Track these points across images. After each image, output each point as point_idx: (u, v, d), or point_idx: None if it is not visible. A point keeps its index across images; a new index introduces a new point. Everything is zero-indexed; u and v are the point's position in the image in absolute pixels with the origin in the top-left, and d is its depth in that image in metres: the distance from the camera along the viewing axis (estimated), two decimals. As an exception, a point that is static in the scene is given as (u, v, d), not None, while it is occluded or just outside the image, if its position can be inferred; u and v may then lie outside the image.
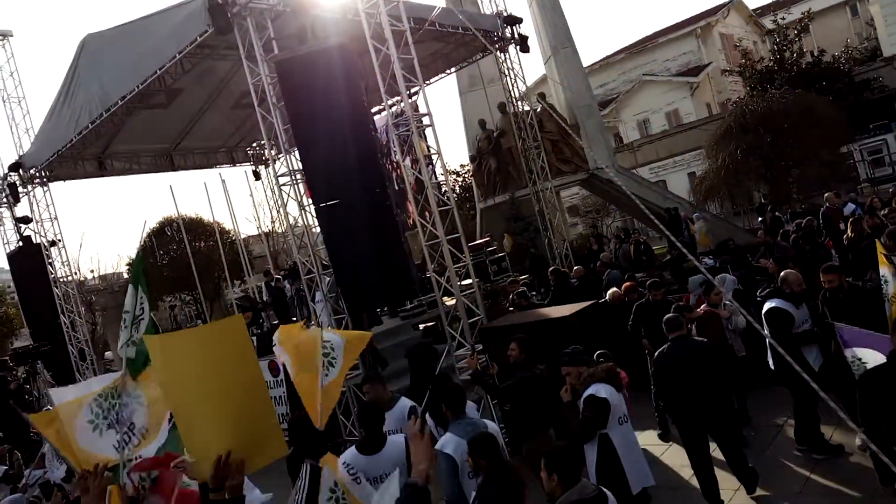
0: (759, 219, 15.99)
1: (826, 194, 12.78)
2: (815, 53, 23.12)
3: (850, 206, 12.36)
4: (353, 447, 4.62)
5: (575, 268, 12.41)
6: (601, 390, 4.78)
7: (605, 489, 3.62)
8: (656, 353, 5.98)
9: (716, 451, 5.98)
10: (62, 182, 15.29)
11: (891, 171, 23.45)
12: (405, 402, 5.48)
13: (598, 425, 4.72)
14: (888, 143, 23.62)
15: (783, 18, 23.54)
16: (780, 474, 6.24)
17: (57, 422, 4.22)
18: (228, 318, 3.30)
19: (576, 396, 4.96)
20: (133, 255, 26.97)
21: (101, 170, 15.58)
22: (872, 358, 4.94)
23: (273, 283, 15.23)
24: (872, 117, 22.92)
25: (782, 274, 6.44)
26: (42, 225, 14.73)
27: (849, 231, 9.72)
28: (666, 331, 5.91)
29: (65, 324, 14.49)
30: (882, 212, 10.36)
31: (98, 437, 4.16)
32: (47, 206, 14.76)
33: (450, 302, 9.42)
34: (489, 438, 4.27)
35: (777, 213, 15.12)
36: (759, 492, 5.88)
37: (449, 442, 4.63)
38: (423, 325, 9.89)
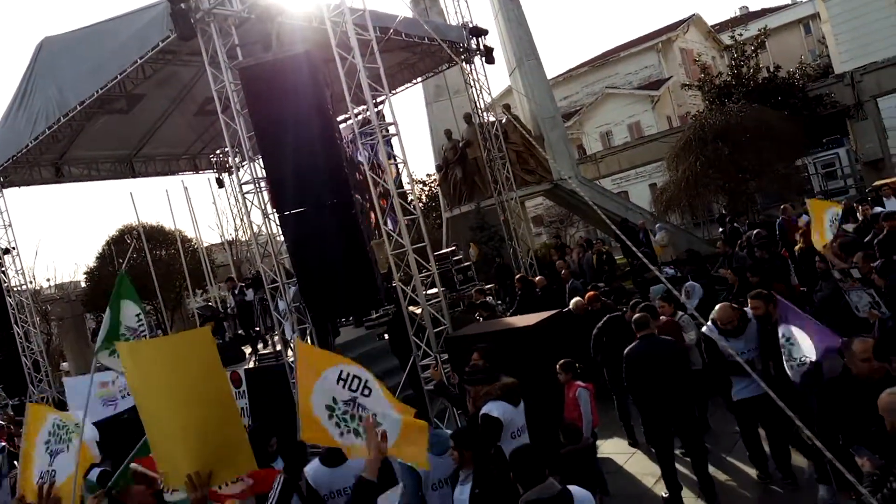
0: (721, 230, 16.33)
1: (782, 206, 13.14)
2: (771, 69, 23.78)
3: (805, 218, 12.71)
4: (316, 459, 4.57)
5: (537, 278, 12.50)
6: (494, 409, 4.93)
7: (571, 488, 3.57)
8: (626, 350, 6.19)
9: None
10: (17, 188, 14.89)
11: (843, 183, 24.22)
12: None
13: (491, 442, 4.81)
14: (840, 157, 24.43)
15: (740, 35, 24.13)
16: (738, 481, 6.36)
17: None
18: (196, 330, 3.30)
19: (478, 409, 5.12)
20: (91, 264, 26.30)
21: (59, 176, 15.18)
22: (803, 345, 5.01)
23: (236, 292, 15.01)
24: (825, 132, 23.66)
25: (715, 308, 6.15)
26: (-5, 232, 14.31)
27: (800, 242, 10.00)
28: (635, 329, 6.19)
29: (18, 335, 14.04)
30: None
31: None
32: (1, 212, 14.33)
33: (415, 311, 9.40)
34: (471, 430, 4.34)
35: (735, 224, 15.47)
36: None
37: None
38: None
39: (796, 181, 20.35)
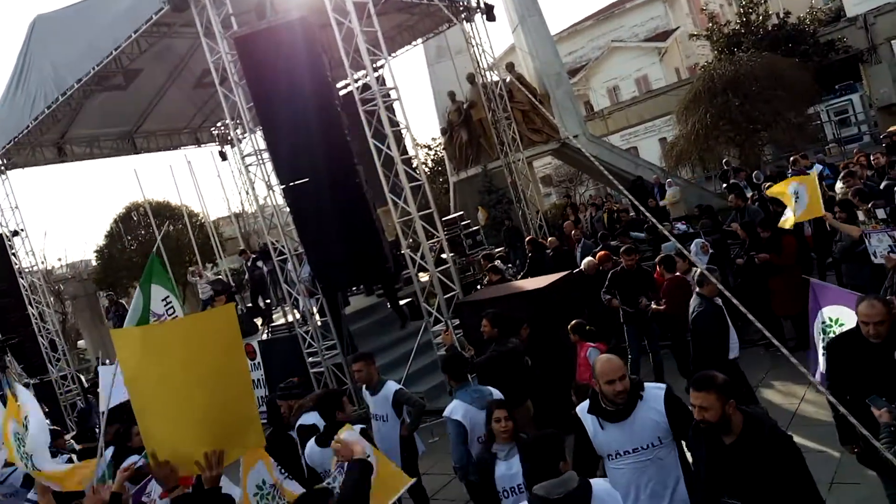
0: (724, 185, 16.01)
1: (791, 157, 12.87)
2: (781, 16, 23.16)
3: (818, 167, 12.43)
4: (312, 440, 4.69)
5: (549, 239, 12.37)
6: (309, 418, 5.07)
7: (593, 482, 3.01)
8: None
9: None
10: (21, 169, 14.85)
11: (857, 130, 23.77)
12: (390, 387, 5.46)
13: None
14: (853, 103, 23.92)
15: (749, -19, 23.49)
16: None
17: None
18: (219, 308, 3.24)
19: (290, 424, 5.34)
20: (101, 243, 26.39)
21: (61, 156, 15.13)
22: (850, 318, 4.73)
23: (249, 263, 14.95)
24: (838, 78, 23.12)
25: (594, 360, 3.82)
26: (3, 215, 14.30)
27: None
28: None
29: (33, 315, 14.14)
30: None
31: None
32: (7, 195, 14.30)
33: (425, 278, 9.36)
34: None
35: (734, 180, 15.04)
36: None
37: (457, 409, 4.75)
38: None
39: (809, 130, 19.95)
